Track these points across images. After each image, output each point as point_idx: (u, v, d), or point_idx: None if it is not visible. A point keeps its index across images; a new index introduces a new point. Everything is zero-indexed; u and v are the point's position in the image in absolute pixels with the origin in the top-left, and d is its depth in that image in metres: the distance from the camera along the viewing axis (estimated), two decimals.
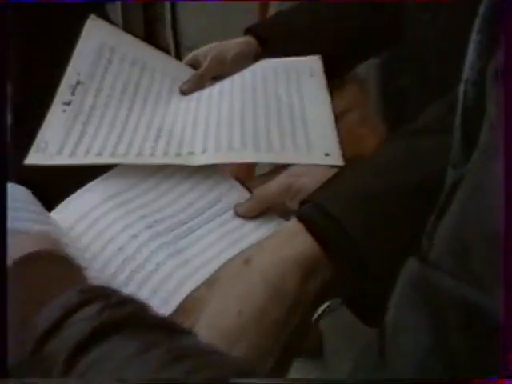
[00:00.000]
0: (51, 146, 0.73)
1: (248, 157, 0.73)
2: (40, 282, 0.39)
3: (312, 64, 0.90)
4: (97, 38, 0.85)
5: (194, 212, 0.66)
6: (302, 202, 0.58)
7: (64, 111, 0.77)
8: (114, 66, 0.84)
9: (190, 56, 0.96)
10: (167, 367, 0.32)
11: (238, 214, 0.66)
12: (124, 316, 0.36)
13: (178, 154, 0.71)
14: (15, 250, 0.40)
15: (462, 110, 0.34)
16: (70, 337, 0.34)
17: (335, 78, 0.99)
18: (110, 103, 0.80)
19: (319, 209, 0.55)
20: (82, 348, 0.33)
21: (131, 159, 0.70)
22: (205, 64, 0.93)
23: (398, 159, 0.58)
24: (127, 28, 1.74)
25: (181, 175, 0.70)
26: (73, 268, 0.43)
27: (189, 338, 0.38)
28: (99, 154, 0.72)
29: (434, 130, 0.58)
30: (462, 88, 0.34)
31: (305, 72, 0.89)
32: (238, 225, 0.65)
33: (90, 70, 0.81)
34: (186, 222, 0.64)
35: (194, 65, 0.95)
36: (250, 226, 0.65)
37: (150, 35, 1.82)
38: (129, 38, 0.91)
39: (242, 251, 0.57)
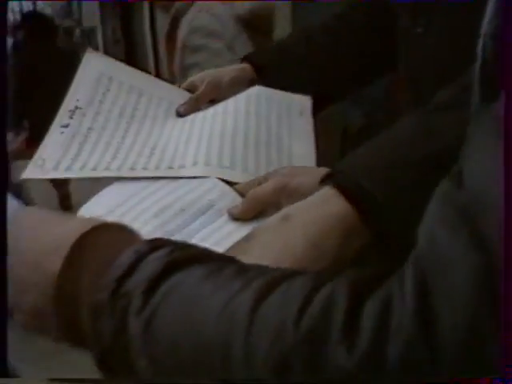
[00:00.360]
0: (48, 163, 0.75)
1: (236, 176, 0.75)
2: (112, 246, 0.39)
3: (302, 103, 0.93)
4: (95, 69, 0.88)
5: (188, 218, 0.66)
6: (328, 175, 0.59)
7: (62, 133, 0.79)
8: (112, 93, 0.87)
9: (187, 81, 0.99)
10: (239, 277, 0.34)
11: (232, 217, 0.65)
12: (192, 253, 0.38)
13: (170, 168, 0.74)
14: (85, 223, 0.40)
15: (480, 64, 0.35)
16: (144, 274, 0.35)
17: (333, 103, 1.02)
18: (107, 125, 0.83)
19: (350, 178, 0.56)
20: (156, 281, 0.35)
21: (125, 173, 0.73)
22: (201, 88, 0.95)
23: (415, 133, 0.60)
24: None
25: (173, 182, 0.71)
26: (134, 234, 0.44)
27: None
28: (94, 169, 0.74)
29: (450, 107, 0.59)
30: (480, 42, 0.35)
31: (295, 109, 0.91)
32: (232, 230, 0.65)
33: (89, 97, 0.84)
34: (179, 230, 0.65)
35: (191, 90, 0.97)
36: (244, 231, 0.64)
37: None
38: (126, 68, 0.94)
39: (280, 211, 0.57)
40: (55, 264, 0.38)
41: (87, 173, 0.74)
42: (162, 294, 0.34)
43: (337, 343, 0.28)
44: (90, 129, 0.82)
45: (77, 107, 0.84)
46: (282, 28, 2.38)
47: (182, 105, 0.93)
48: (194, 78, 0.99)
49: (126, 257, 0.37)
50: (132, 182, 0.72)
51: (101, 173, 0.73)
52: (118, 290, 0.35)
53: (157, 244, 0.38)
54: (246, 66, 0.99)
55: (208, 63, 1.64)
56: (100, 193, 0.70)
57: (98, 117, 0.84)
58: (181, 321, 0.32)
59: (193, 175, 0.72)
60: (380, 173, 0.56)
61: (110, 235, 0.41)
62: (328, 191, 0.56)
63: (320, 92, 0.96)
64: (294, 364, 0.29)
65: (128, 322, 0.34)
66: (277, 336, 0.29)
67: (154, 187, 0.71)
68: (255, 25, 2.17)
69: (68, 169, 0.75)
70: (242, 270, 0.36)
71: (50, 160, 0.76)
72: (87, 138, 0.81)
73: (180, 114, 0.91)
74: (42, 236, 0.40)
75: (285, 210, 0.57)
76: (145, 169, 0.74)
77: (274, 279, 0.33)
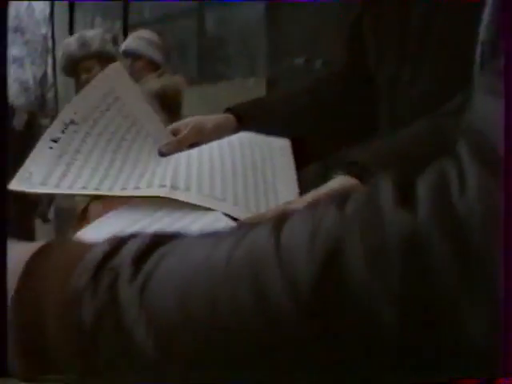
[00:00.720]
0: (35, 177, 0.74)
1: (227, 209, 0.76)
2: (75, 251, 0.34)
3: (283, 145, 0.95)
4: (110, 83, 0.89)
5: None
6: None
7: (50, 148, 0.79)
8: (110, 113, 0.87)
9: (171, 126, 1.00)
10: (237, 231, 0.30)
11: None
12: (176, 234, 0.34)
13: (162, 186, 0.74)
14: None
15: (479, 70, 0.37)
16: (128, 251, 0.31)
17: (311, 162, 1.04)
18: (93, 150, 0.83)
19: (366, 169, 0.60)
20: (145, 252, 0.31)
21: (117, 192, 0.73)
22: (184, 131, 0.97)
23: (422, 133, 0.64)
24: None
25: (177, 212, 0.72)
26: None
27: None
28: (84, 188, 0.74)
29: (452, 112, 0.65)
30: (478, 48, 0.38)
31: (277, 150, 0.94)
32: None
33: (87, 112, 0.84)
34: None
35: (175, 134, 0.99)
36: None
37: None
38: (135, 90, 0.95)
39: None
40: (12, 286, 0.33)
41: (78, 190, 0.73)
42: (154, 261, 0.30)
43: (392, 211, 0.26)
44: (77, 151, 0.82)
45: (72, 121, 0.84)
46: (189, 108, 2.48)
47: (165, 145, 0.94)
48: (179, 123, 1.01)
49: (100, 247, 0.32)
50: (135, 208, 0.72)
51: (92, 191, 0.73)
52: (99, 270, 0.30)
53: (132, 234, 0.34)
54: (229, 115, 1.02)
55: None
56: (103, 217, 0.70)
57: (88, 139, 0.85)
58: (186, 273, 0.28)
59: (186, 200, 0.73)
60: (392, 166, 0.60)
61: (67, 247, 0.36)
62: (350, 180, 0.60)
63: (298, 150, 0.99)
64: (345, 247, 0.25)
65: (118, 294, 0.29)
66: (314, 232, 0.26)
67: (157, 215, 0.71)
68: (165, 102, 2.27)
69: (57, 186, 0.74)
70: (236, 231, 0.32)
71: (38, 174, 0.75)
72: (73, 160, 0.81)
73: (162, 154, 0.92)
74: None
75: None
76: (136, 188, 0.74)
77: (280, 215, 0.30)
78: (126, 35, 5.65)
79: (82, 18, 6.22)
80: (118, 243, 0.32)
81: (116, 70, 0.90)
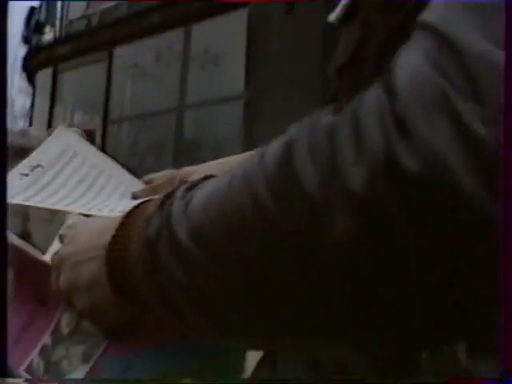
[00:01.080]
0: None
1: None
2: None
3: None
4: (63, 141, 0.88)
5: None
6: None
7: (21, 179, 0.78)
8: (74, 164, 0.87)
9: (147, 177, 0.99)
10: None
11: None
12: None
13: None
14: None
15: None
16: (182, 187, 0.39)
17: None
18: (62, 188, 0.82)
19: None
20: (191, 186, 0.39)
21: (88, 211, 0.71)
22: (159, 180, 0.95)
23: None
24: None
25: None
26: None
27: None
28: (55, 204, 0.73)
29: None
30: None
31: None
32: None
33: (52, 161, 0.83)
34: None
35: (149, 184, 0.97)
36: None
37: None
38: (93, 149, 0.95)
39: None
40: (106, 237, 0.42)
41: (49, 205, 0.72)
42: (195, 189, 0.38)
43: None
44: (46, 184, 0.80)
45: (39, 165, 0.82)
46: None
47: (139, 191, 0.92)
48: (155, 174, 1.00)
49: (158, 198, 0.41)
50: None
51: (64, 207, 0.72)
52: (163, 202, 0.39)
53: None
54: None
55: None
56: None
57: (56, 180, 0.83)
58: (210, 193, 0.36)
59: None
60: None
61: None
62: None
63: None
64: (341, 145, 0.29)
65: (172, 209, 0.37)
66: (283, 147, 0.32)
67: None
68: None
69: (27, 199, 0.73)
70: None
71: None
72: (44, 189, 0.79)
73: (135, 197, 0.90)
74: (94, 227, 0.50)
75: None
76: (112, 211, 0.72)
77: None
78: (105, 130, 5.74)
79: (62, 113, 6.32)
80: (172, 189, 0.41)
81: (64, 131, 0.90)
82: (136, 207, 0.45)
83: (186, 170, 0.98)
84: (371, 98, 0.29)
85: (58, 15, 7.60)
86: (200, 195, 0.37)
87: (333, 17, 0.88)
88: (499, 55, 0.26)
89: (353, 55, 0.80)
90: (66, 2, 7.47)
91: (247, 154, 0.77)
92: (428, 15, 0.30)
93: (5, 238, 0.46)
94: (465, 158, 0.26)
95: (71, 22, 7.21)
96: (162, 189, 0.94)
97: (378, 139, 0.27)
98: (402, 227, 0.27)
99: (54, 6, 7.57)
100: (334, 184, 0.28)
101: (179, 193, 0.39)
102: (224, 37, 4.85)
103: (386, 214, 0.27)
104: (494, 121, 0.26)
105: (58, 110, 6.52)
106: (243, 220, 0.33)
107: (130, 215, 0.44)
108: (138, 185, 0.93)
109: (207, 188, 0.37)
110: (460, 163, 0.26)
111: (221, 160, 0.99)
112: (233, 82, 4.66)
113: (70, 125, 5.02)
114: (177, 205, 0.38)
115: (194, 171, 0.96)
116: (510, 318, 0.26)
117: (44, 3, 6.89)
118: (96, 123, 5.72)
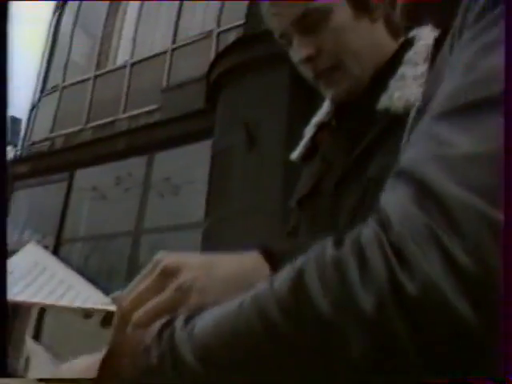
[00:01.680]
0: None
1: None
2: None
3: None
4: (33, 257, 0.93)
5: None
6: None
7: None
8: (44, 277, 0.91)
9: (114, 294, 1.02)
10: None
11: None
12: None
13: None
14: None
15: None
16: (181, 317, 0.41)
17: None
18: (36, 295, 0.85)
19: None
20: (191, 316, 0.40)
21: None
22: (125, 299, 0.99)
23: None
24: None
25: None
26: None
27: None
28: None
29: None
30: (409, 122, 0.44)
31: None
32: None
33: (23, 273, 0.87)
34: None
35: (116, 304, 1.00)
36: None
37: None
38: (62, 266, 0.99)
39: None
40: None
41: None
42: (196, 318, 0.40)
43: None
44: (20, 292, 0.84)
45: (11, 272, 0.86)
46: None
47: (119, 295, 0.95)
48: (121, 293, 1.02)
49: (152, 329, 0.42)
50: None
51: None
52: (160, 332, 0.40)
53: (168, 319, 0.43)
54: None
55: None
56: None
57: (27, 290, 0.87)
58: (216, 320, 0.38)
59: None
60: None
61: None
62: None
63: None
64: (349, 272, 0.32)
65: (174, 338, 0.39)
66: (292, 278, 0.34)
67: None
68: None
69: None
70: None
71: None
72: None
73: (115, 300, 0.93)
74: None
75: None
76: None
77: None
78: (56, 248, 5.61)
79: (12, 229, 6.19)
80: (168, 321, 0.42)
81: (34, 247, 0.95)
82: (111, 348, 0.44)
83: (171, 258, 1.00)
84: (369, 231, 0.33)
85: (22, 135, 7.69)
86: (207, 319, 0.39)
87: (294, 155, 0.93)
88: (471, 196, 0.31)
89: (312, 188, 0.85)
90: (31, 124, 7.58)
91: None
92: (404, 162, 0.35)
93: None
94: (454, 283, 0.30)
95: (33, 143, 7.27)
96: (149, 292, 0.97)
97: (382, 268, 0.31)
98: (408, 342, 0.31)
99: (19, 126, 7.65)
100: (347, 307, 0.32)
101: (178, 324, 0.40)
102: (186, 166, 4.94)
103: (394, 332, 0.31)
104: (475, 251, 0.30)
105: (9, 226, 6.40)
106: (255, 339, 0.35)
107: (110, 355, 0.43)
108: (105, 300, 0.97)
109: (215, 312, 0.39)
110: (451, 288, 0.30)
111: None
112: (192, 209, 4.69)
113: (20, 241, 4.89)
114: (179, 334, 0.39)
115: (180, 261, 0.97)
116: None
117: (10, 123, 6.92)
118: (48, 241, 5.64)
